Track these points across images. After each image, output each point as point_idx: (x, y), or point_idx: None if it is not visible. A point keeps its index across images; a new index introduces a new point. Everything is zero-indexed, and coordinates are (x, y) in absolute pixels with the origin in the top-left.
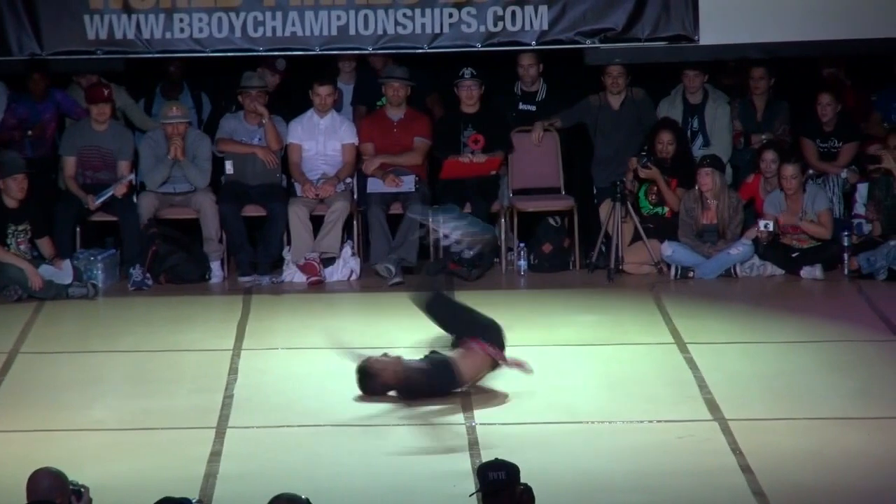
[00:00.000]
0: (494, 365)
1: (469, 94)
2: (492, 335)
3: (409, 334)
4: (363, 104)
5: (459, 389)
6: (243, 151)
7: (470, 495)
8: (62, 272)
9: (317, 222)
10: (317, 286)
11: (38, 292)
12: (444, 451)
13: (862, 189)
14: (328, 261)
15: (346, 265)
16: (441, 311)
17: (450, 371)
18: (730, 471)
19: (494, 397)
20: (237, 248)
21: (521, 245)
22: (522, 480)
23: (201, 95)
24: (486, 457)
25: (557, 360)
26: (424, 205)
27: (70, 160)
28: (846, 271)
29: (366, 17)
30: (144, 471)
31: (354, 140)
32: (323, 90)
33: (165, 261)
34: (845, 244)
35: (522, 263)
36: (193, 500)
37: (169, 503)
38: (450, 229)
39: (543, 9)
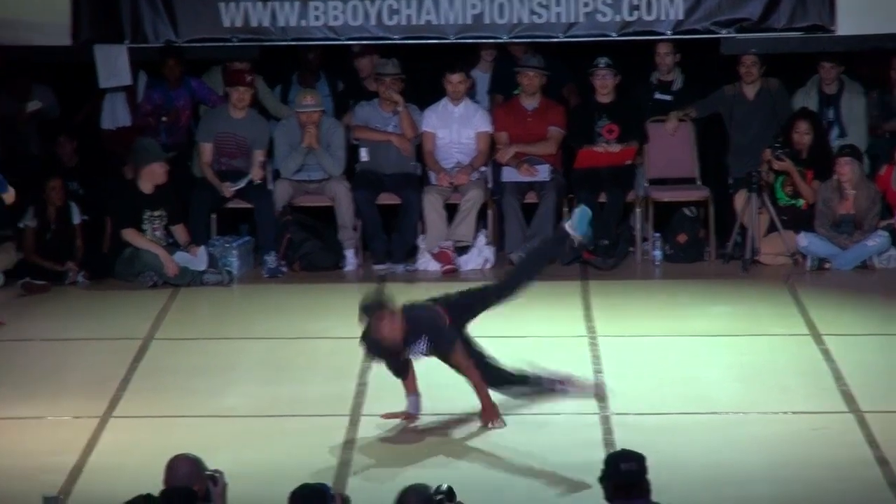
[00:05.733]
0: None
1: (603, 84)
2: None
3: (539, 324)
4: (500, 93)
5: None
6: (378, 139)
7: (599, 479)
8: (197, 259)
9: (451, 211)
10: (451, 274)
11: (173, 279)
12: (579, 440)
13: None
14: (462, 249)
15: (481, 254)
16: None
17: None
18: (865, 463)
19: (628, 388)
20: (371, 236)
21: (657, 235)
22: (654, 470)
23: (338, 83)
24: (621, 447)
25: (691, 351)
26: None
27: (207, 147)
28: None
29: (501, 5)
30: (277, 458)
31: (489, 128)
32: (454, 77)
33: (300, 248)
34: None
35: (657, 253)
36: (331, 489)
37: (307, 489)
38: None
39: None
